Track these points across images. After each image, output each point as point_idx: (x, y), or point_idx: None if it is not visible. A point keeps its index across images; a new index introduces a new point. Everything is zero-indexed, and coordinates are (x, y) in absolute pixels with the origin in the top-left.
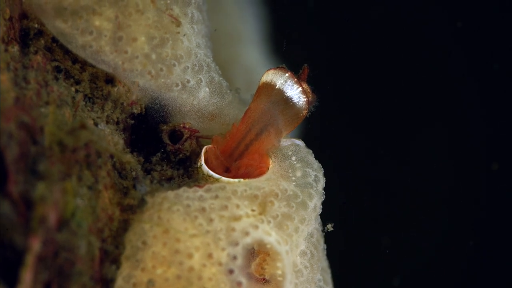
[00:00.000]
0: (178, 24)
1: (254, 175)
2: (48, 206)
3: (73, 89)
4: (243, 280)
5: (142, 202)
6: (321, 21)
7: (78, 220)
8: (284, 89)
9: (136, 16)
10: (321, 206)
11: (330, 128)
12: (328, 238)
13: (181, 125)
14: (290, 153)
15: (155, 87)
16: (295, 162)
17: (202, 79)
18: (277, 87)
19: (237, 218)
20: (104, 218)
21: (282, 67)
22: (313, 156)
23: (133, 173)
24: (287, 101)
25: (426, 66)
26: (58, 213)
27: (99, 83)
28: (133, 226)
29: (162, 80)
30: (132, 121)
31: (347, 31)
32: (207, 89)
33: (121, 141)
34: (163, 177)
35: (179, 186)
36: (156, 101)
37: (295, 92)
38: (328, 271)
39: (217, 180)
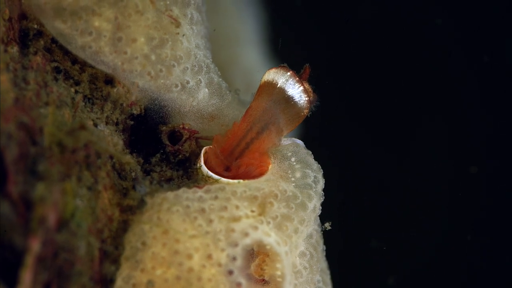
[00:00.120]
0: (178, 25)
1: (255, 174)
2: (48, 206)
3: (72, 89)
4: (243, 281)
5: (141, 203)
6: (321, 21)
7: (77, 221)
8: (286, 88)
9: (135, 17)
10: (321, 207)
11: (329, 128)
12: (327, 238)
13: (181, 126)
14: (289, 154)
15: (155, 88)
16: (294, 163)
17: (202, 80)
18: (278, 86)
19: (236, 219)
20: (104, 218)
21: (283, 66)
22: (313, 157)
23: (133, 174)
24: (288, 100)
25: (426, 66)
26: (57, 214)
27: (99, 83)
28: (133, 226)
29: (162, 81)
30: (132, 122)
31: (347, 31)
32: (206, 90)
33: (121, 142)
34: (163, 178)
35: (179, 187)
36: (156, 102)
37: (297, 91)
38: (327, 272)
39: (216, 181)
